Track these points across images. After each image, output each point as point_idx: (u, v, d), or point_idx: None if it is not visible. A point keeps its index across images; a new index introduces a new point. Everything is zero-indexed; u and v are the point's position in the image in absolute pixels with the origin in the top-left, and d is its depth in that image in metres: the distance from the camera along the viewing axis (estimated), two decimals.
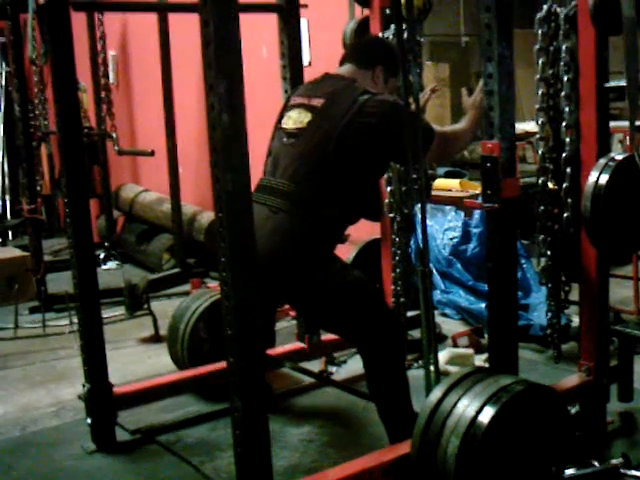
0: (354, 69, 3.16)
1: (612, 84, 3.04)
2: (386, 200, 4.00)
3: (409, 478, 2.69)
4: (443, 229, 5.37)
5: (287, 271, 2.88)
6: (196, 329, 3.95)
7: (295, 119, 3.05)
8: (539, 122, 3.31)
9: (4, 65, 9.04)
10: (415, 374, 3.54)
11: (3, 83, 9.11)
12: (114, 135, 6.87)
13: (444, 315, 5.13)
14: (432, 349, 2.89)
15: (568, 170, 3.19)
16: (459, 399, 2.55)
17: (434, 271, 5.18)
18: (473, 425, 2.45)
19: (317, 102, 3.02)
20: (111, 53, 7.94)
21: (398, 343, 3.04)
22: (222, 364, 3.10)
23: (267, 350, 3.75)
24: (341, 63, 3.25)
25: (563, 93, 3.18)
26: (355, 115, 2.90)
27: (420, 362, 4.25)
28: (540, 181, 3.34)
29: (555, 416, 2.64)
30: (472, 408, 2.48)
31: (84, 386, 3.38)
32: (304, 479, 2.68)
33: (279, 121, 3.17)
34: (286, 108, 3.19)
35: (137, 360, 4.66)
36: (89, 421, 3.40)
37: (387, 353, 2.98)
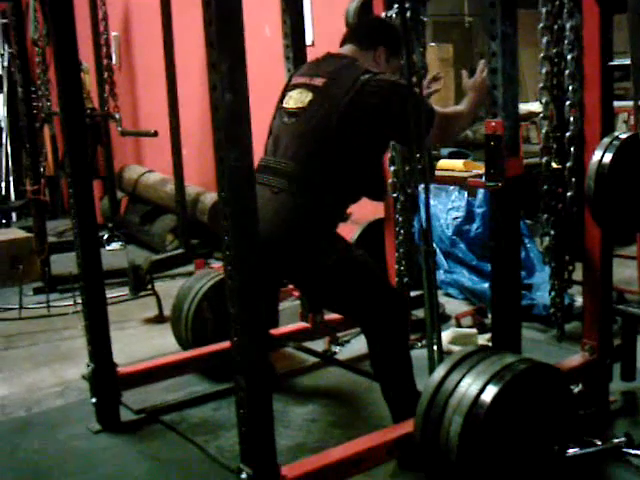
0: (355, 49, 3.15)
1: (616, 62, 3.02)
2: (389, 180, 3.99)
3: (413, 456, 2.71)
4: (447, 209, 5.36)
5: (291, 251, 2.88)
6: (200, 309, 3.96)
7: (296, 99, 3.05)
8: (543, 101, 3.30)
9: (6, 46, 9.01)
10: (418, 354, 3.53)
11: (6, 64, 9.09)
12: (117, 116, 6.88)
13: (448, 295, 5.14)
14: (435, 329, 2.90)
15: (572, 149, 3.19)
16: (462, 378, 2.55)
17: (437, 251, 5.17)
18: (476, 404, 2.45)
19: (318, 81, 3.01)
20: (113, 34, 7.91)
21: (402, 322, 3.04)
22: (226, 344, 3.10)
23: (271, 330, 3.76)
24: (342, 43, 3.23)
25: (567, 72, 3.16)
26: (356, 94, 2.89)
27: (423, 342, 4.25)
28: (543, 160, 3.33)
29: (558, 395, 2.64)
30: (475, 387, 2.49)
31: (88, 366, 3.39)
32: (308, 458, 2.69)
33: (280, 101, 3.16)
34: (288, 87, 3.18)
35: (141, 340, 4.68)
36: (93, 401, 3.42)
37: (391, 332, 2.99)
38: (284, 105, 3.10)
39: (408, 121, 2.79)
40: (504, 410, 2.47)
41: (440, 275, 5.12)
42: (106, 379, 3.39)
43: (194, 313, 3.95)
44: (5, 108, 9.03)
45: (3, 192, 8.96)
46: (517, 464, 2.53)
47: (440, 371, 2.63)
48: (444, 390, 2.56)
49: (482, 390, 2.47)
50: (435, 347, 2.91)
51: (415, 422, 2.61)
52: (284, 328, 4.12)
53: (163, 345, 4.44)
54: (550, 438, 2.62)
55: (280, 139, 3.04)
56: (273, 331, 3.89)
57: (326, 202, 2.93)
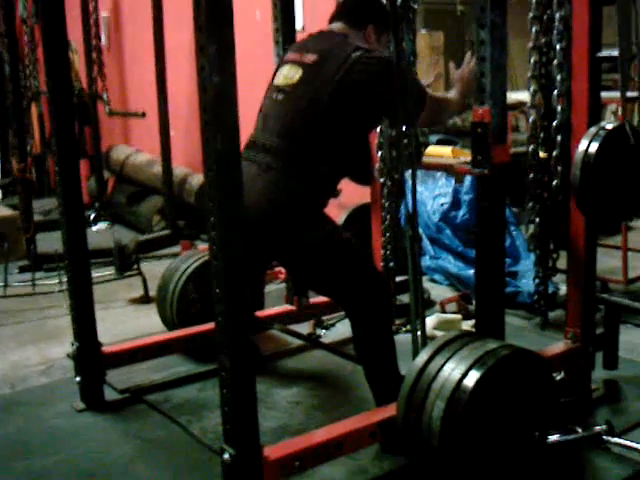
0: (345, 26, 3.13)
1: (604, 54, 3.04)
2: (377, 165, 4.00)
3: (396, 440, 2.73)
4: (433, 195, 5.38)
5: (278, 230, 2.87)
6: (185, 290, 3.96)
7: (286, 75, 3.05)
8: (531, 90, 3.32)
9: None
10: (403, 338, 3.55)
11: None
12: (105, 96, 6.85)
13: (433, 281, 5.16)
14: (419, 314, 2.91)
15: (559, 138, 3.21)
16: (445, 362, 2.57)
17: (423, 237, 5.20)
18: (458, 388, 2.47)
19: (309, 58, 3.01)
20: (103, 14, 7.87)
21: (385, 306, 3.06)
22: (211, 325, 3.12)
23: (256, 312, 3.78)
24: (331, 20, 3.21)
25: (555, 61, 3.18)
26: (347, 71, 2.89)
27: (408, 326, 4.28)
28: (530, 149, 3.35)
29: (540, 381, 2.67)
30: (458, 371, 2.51)
31: (73, 345, 3.40)
32: (291, 440, 2.71)
33: (272, 78, 3.16)
34: (280, 65, 3.18)
35: (126, 320, 4.68)
36: (78, 380, 3.42)
37: (374, 315, 3.00)
38: (274, 82, 3.10)
39: (398, 99, 2.80)
40: (486, 395, 2.49)
41: (426, 261, 5.14)
42: (91, 358, 3.40)
43: (179, 294, 3.96)
44: None
45: None
46: (498, 450, 2.56)
47: (423, 355, 2.65)
48: (427, 374, 2.58)
49: (465, 375, 2.48)
50: (419, 332, 2.93)
51: (398, 406, 2.63)
52: (269, 310, 4.14)
53: (148, 325, 4.45)
54: (531, 424, 2.64)
55: (269, 116, 3.04)
56: (258, 313, 3.90)
57: (313, 179, 2.93)
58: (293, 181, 2.88)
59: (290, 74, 3.03)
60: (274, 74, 3.17)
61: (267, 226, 2.83)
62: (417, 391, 2.57)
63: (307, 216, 2.93)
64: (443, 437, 2.45)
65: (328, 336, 4.16)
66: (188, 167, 7.09)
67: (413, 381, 2.60)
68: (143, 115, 6.32)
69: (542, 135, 3.34)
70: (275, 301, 4.34)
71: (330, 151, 2.94)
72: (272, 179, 2.87)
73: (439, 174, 5.43)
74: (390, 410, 2.74)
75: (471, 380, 2.46)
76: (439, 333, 3.89)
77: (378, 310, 3.00)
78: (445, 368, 2.55)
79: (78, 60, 7.48)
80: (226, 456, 2.32)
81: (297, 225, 2.90)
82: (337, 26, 3.15)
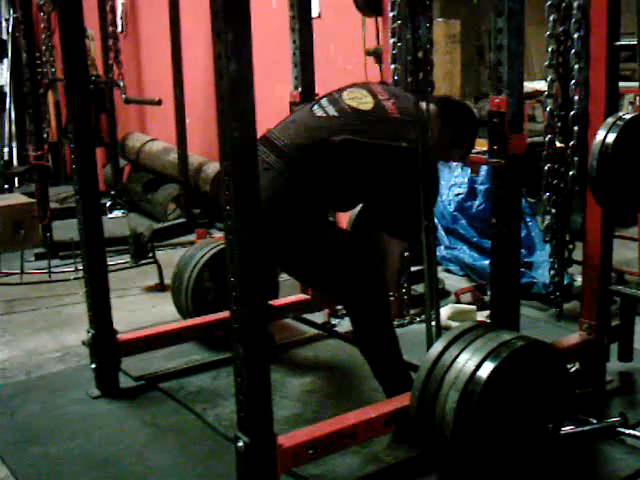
0: (434, 109, 3.05)
1: (623, 42, 3.02)
2: None
3: (408, 430, 2.73)
4: (449, 185, 5.37)
5: (273, 227, 2.81)
6: (201, 278, 3.96)
7: (356, 96, 3.01)
8: (548, 79, 3.30)
9: (11, 11, 8.97)
10: (417, 329, 3.57)
11: (10, 29, 9.06)
12: (121, 83, 6.86)
13: (448, 271, 5.16)
14: (434, 304, 2.91)
15: (575, 128, 3.19)
16: (459, 353, 2.57)
17: (439, 227, 5.18)
18: (472, 380, 2.47)
19: (386, 103, 2.98)
20: (120, 1, 7.88)
21: (380, 301, 2.99)
22: (226, 313, 3.12)
23: (270, 301, 3.77)
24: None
25: (573, 50, 3.16)
26: (387, 148, 2.89)
27: (422, 317, 4.28)
28: (547, 138, 3.33)
29: (554, 373, 2.66)
30: (472, 363, 2.50)
31: (88, 332, 3.41)
32: (304, 428, 2.71)
33: (330, 93, 3.13)
34: (352, 85, 3.15)
35: (141, 308, 4.70)
36: (93, 367, 3.44)
37: (370, 311, 2.95)
38: (338, 96, 3.05)
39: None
40: (500, 387, 2.49)
41: (441, 251, 5.13)
42: (106, 345, 3.41)
43: (195, 282, 3.96)
44: (9, 73, 9.00)
45: (6, 157, 8.96)
46: (512, 441, 2.56)
47: (438, 346, 2.65)
48: (441, 365, 2.58)
49: (479, 366, 2.48)
50: (433, 322, 2.92)
51: (411, 396, 2.63)
52: (284, 299, 4.13)
53: (163, 313, 4.46)
54: (545, 416, 2.64)
55: (296, 122, 3.03)
56: (273, 302, 3.90)
57: (303, 190, 2.90)
58: (289, 185, 2.87)
59: (361, 97, 3.00)
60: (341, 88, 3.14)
61: (268, 222, 2.78)
62: (431, 381, 2.57)
63: (297, 216, 2.90)
64: (456, 428, 2.45)
65: (342, 325, 4.16)
66: (204, 155, 7.09)
67: (427, 371, 2.60)
68: (159, 103, 6.32)
69: (559, 125, 3.32)
70: (289, 291, 4.33)
71: (326, 186, 2.93)
72: (272, 178, 2.84)
73: (455, 164, 5.41)
74: (403, 400, 2.74)
75: (485, 371, 2.46)
76: (454, 323, 3.89)
77: (373, 306, 2.95)
78: (459, 359, 2.55)
79: (94, 47, 7.49)
80: (240, 444, 2.32)
81: (288, 224, 2.88)
82: (432, 106, 3.04)
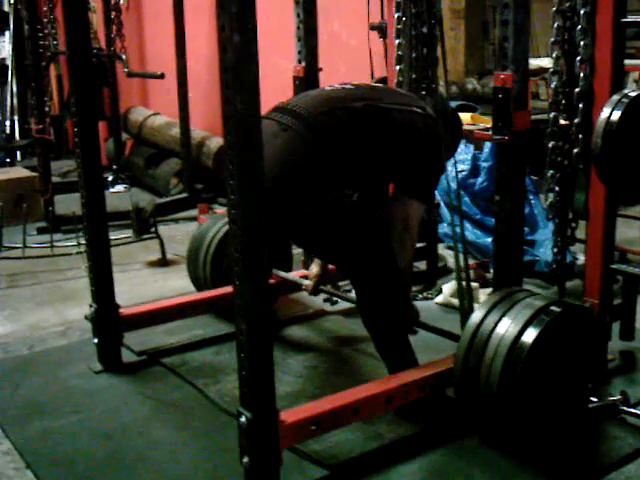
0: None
1: (630, 19, 2.99)
2: None
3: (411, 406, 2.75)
4: (452, 162, 5.34)
5: (286, 198, 2.78)
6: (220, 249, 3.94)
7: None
8: (553, 56, 3.28)
9: None
10: (418, 305, 3.57)
11: (12, 1, 9.00)
12: (123, 57, 6.82)
13: (450, 248, 5.15)
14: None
15: (580, 105, 3.17)
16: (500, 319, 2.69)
17: (441, 203, 5.17)
18: (516, 345, 2.59)
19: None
20: None
21: (392, 276, 2.94)
22: (228, 288, 3.12)
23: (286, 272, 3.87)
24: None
25: (579, 27, 3.13)
26: (407, 113, 2.98)
27: (425, 293, 4.29)
28: (551, 116, 3.31)
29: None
30: (515, 328, 2.62)
31: (91, 306, 3.42)
32: (307, 404, 2.71)
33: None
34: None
35: (143, 283, 4.70)
36: (96, 341, 3.44)
37: (380, 286, 2.91)
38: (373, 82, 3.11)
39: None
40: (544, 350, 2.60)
41: (443, 228, 5.12)
42: (108, 320, 3.42)
43: (215, 251, 3.95)
44: (11, 46, 8.96)
45: (8, 131, 8.92)
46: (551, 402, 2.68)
47: (478, 314, 2.74)
48: (484, 329, 2.70)
49: (522, 331, 2.61)
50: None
51: (455, 360, 2.74)
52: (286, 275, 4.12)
53: (165, 288, 4.47)
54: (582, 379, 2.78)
55: (318, 95, 3.03)
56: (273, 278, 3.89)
57: (325, 160, 2.83)
58: (310, 145, 2.78)
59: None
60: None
61: (283, 189, 2.75)
62: (474, 344, 2.69)
63: (320, 183, 2.82)
64: (502, 387, 2.57)
65: (343, 302, 4.14)
66: (206, 130, 7.07)
67: (471, 334, 2.71)
68: (162, 76, 6.29)
69: (563, 102, 3.31)
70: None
71: (345, 155, 2.89)
72: (291, 139, 2.78)
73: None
74: (405, 377, 2.75)
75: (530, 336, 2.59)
76: (456, 301, 3.88)
77: (382, 280, 2.91)
78: (501, 324, 2.67)
79: (97, 19, 7.45)
80: (242, 419, 2.33)
81: (309, 191, 2.81)
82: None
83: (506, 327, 2.64)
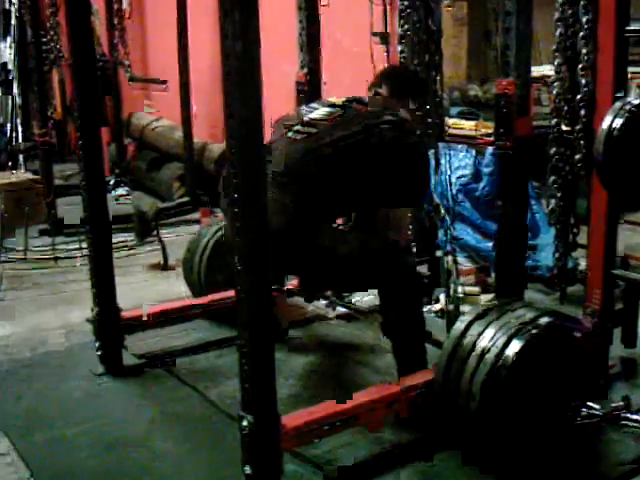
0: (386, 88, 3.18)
1: (633, 27, 2.99)
2: None
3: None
4: (453, 167, 5.34)
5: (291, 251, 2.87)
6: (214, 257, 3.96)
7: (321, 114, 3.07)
8: (556, 63, 3.28)
9: None
10: None
11: (16, 6, 9.00)
12: (126, 62, 6.83)
13: (446, 254, 5.13)
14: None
15: (582, 112, 3.17)
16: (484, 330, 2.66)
17: (441, 208, 5.16)
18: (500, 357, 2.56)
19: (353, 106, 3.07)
20: None
21: (415, 287, 3.04)
22: (229, 292, 3.12)
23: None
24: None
25: (581, 34, 3.14)
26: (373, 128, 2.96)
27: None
28: (553, 122, 3.32)
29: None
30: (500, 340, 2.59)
31: (92, 309, 3.42)
32: (309, 408, 2.71)
33: None
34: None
35: (145, 286, 4.71)
36: (97, 344, 3.44)
37: (407, 297, 2.98)
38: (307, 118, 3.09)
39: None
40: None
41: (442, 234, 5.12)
42: (110, 323, 3.42)
43: (209, 256, 3.97)
44: (14, 50, 8.95)
45: (10, 134, 8.92)
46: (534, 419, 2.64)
47: (460, 325, 2.71)
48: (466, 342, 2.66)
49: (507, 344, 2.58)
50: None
51: (436, 368, 2.71)
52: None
53: (167, 291, 4.47)
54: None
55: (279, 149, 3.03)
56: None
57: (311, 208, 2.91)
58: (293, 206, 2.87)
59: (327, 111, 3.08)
60: None
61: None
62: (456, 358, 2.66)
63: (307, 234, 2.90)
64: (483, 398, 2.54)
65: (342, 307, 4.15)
66: (209, 140, 7.06)
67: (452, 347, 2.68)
68: (164, 82, 6.30)
69: (566, 109, 3.31)
70: None
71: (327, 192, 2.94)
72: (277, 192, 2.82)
73: (460, 146, 5.38)
74: (409, 380, 2.76)
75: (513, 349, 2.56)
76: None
77: (409, 292, 2.99)
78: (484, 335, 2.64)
79: (99, 24, 7.45)
80: (244, 423, 2.33)
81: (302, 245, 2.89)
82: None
83: (489, 339, 2.61)
